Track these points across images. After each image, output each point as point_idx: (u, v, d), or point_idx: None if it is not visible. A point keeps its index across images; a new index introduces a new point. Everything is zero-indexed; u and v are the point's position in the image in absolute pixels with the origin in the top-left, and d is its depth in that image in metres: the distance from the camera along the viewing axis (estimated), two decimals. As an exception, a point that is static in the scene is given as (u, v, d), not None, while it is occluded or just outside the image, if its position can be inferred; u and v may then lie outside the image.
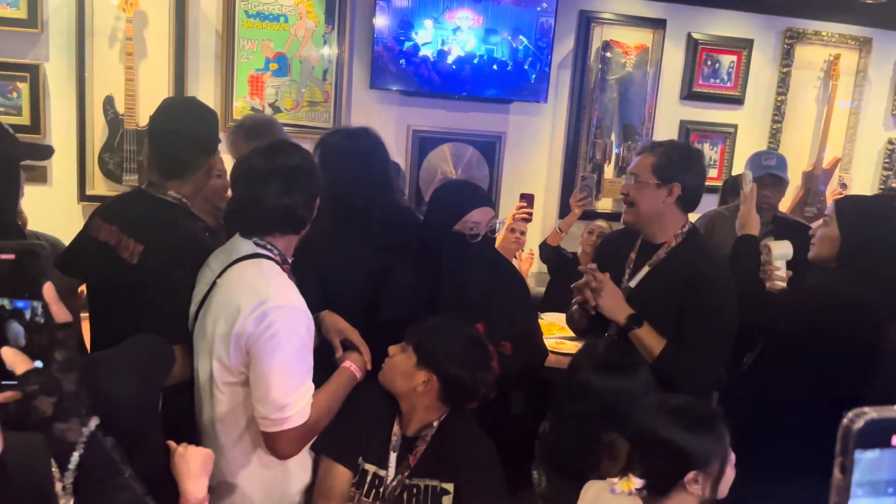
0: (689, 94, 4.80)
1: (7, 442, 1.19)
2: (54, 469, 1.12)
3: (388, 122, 4.36)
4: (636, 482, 1.64)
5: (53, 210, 3.68)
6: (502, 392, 2.33)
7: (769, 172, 3.31)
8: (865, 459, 0.61)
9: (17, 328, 1.07)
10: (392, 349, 2.03)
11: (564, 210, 4.42)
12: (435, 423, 2.02)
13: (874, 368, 2.19)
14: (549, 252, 4.02)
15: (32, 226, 2.36)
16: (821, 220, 2.42)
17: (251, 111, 4.07)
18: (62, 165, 3.82)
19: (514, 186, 4.50)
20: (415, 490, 1.97)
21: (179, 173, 2.14)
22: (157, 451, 1.62)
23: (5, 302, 1.06)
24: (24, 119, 3.78)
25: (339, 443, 2.01)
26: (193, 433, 2.01)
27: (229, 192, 2.23)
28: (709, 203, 3.76)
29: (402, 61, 4.18)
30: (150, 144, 2.18)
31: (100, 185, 3.93)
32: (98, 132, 3.90)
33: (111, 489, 1.15)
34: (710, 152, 4.89)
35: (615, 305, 2.30)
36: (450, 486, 1.96)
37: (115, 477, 1.15)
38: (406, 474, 1.98)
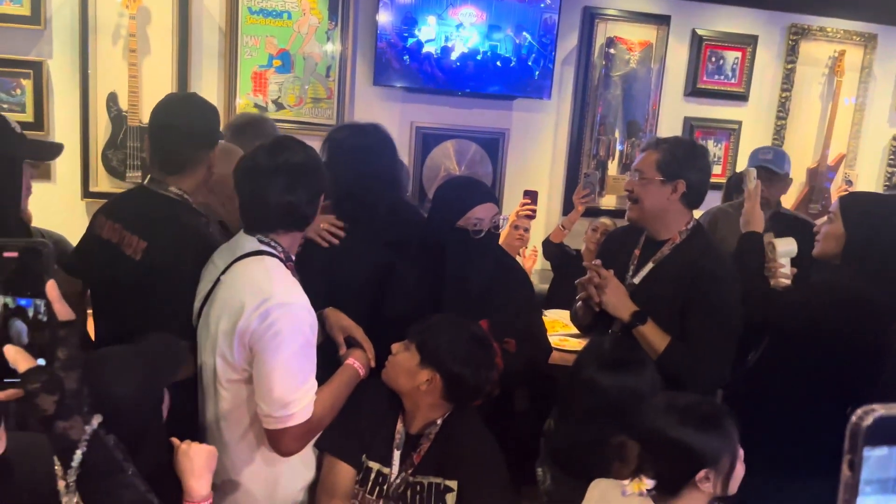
0: (694, 91, 4.79)
1: (11, 440, 1.19)
2: (57, 467, 1.12)
3: (392, 118, 4.35)
4: (647, 483, 1.65)
5: (57, 207, 3.69)
6: (506, 389, 2.32)
7: (763, 165, 3.30)
8: (874, 457, 0.61)
9: (19, 326, 1.07)
10: (395, 347, 2.02)
11: (568, 207, 4.41)
12: (438, 421, 2.01)
13: (879, 366, 2.18)
14: (553, 249, 4.02)
15: (36, 223, 2.36)
16: (825, 217, 2.41)
17: (254, 108, 4.07)
18: (65, 162, 3.82)
19: (518, 183, 4.49)
20: (418, 487, 1.97)
21: (179, 168, 2.14)
22: (160, 449, 1.62)
23: (8, 300, 1.06)
24: (28, 116, 3.78)
25: (342, 440, 2.01)
26: (196, 430, 2.01)
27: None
28: (713, 200, 3.76)
29: (406, 58, 4.18)
30: (150, 140, 2.18)
31: (103, 182, 3.94)
32: (101, 129, 3.90)
33: (114, 487, 1.15)
34: (714, 149, 4.87)
35: (619, 302, 2.30)
36: (453, 484, 1.96)
37: (117, 475, 1.15)
38: (410, 472, 1.98)
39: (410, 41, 4.16)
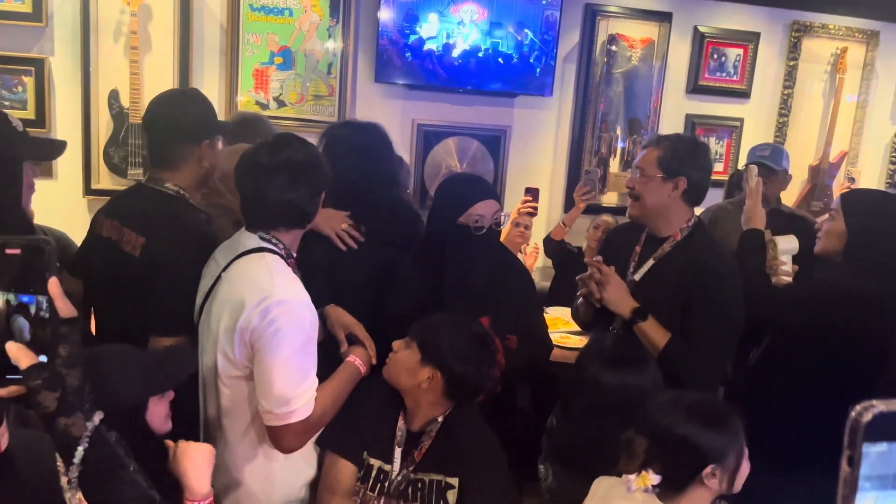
0: (695, 88, 4.78)
1: (13, 437, 1.19)
2: (59, 463, 1.13)
3: (393, 115, 4.35)
4: (653, 478, 1.65)
5: (59, 204, 3.69)
6: (508, 386, 2.32)
7: (760, 162, 3.30)
8: (873, 453, 0.61)
9: (21, 322, 1.07)
10: (396, 345, 2.02)
11: (570, 204, 4.41)
12: (440, 418, 2.01)
13: (881, 363, 2.18)
14: (554, 246, 4.02)
15: (38, 220, 2.36)
16: (826, 215, 2.40)
17: (255, 105, 4.07)
18: (67, 159, 3.81)
19: (519, 180, 4.50)
20: (420, 485, 1.97)
21: (168, 163, 2.15)
22: (162, 447, 1.63)
23: (10, 296, 1.07)
24: (30, 113, 3.79)
25: (343, 438, 2.02)
26: (196, 427, 2.02)
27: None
28: (714, 197, 3.75)
29: (408, 55, 4.17)
30: (145, 136, 2.19)
31: (105, 180, 3.94)
32: (103, 126, 3.91)
33: (116, 483, 1.15)
34: (716, 146, 4.87)
35: (620, 299, 2.30)
36: (455, 481, 1.96)
37: (119, 471, 1.15)
38: (411, 469, 1.98)
39: (412, 38, 4.16)
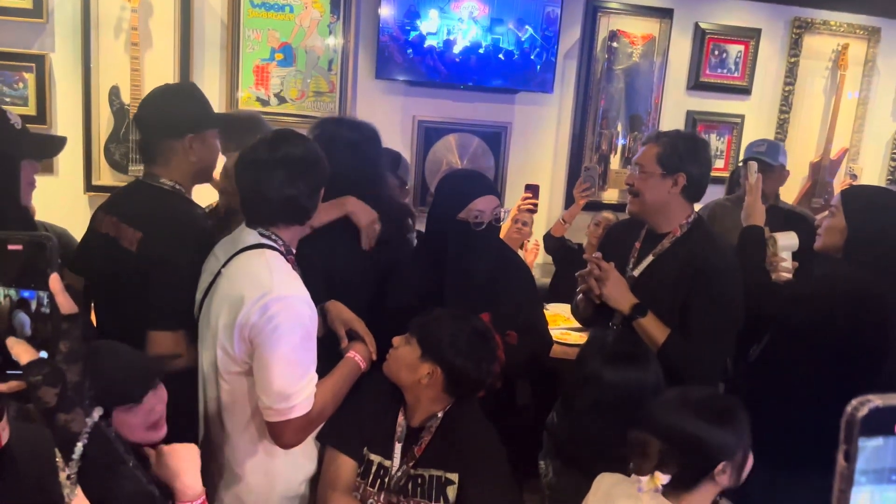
0: (696, 85, 4.78)
1: (13, 432, 1.20)
2: (59, 459, 1.13)
3: (394, 112, 4.36)
4: (663, 479, 1.66)
5: (60, 201, 3.69)
6: (508, 382, 2.33)
7: (757, 158, 3.30)
8: (869, 447, 0.61)
9: (22, 318, 1.07)
10: (396, 340, 2.03)
11: (570, 201, 4.41)
12: (440, 414, 2.02)
13: (882, 359, 2.18)
14: (554, 243, 4.02)
15: (39, 216, 2.37)
16: (826, 211, 2.40)
17: (256, 102, 4.07)
18: (68, 156, 3.83)
19: (520, 177, 4.50)
20: (420, 480, 1.98)
21: (156, 159, 2.15)
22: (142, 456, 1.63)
23: (12, 292, 1.07)
24: (31, 109, 3.79)
25: (344, 433, 2.02)
26: (195, 422, 2.02)
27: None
28: (715, 193, 3.75)
29: (409, 51, 4.17)
30: (137, 133, 2.20)
31: (106, 176, 3.94)
32: (104, 122, 3.91)
33: (115, 478, 1.15)
34: (716, 143, 4.87)
35: (620, 294, 2.30)
36: (455, 476, 1.96)
37: (118, 467, 1.16)
38: (411, 465, 1.99)
39: (413, 35, 4.16)
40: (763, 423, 1.83)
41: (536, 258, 4.24)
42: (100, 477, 1.14)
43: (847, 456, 0.61)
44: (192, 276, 2.01)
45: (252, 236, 1.90)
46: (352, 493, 1.99)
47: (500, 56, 4.29)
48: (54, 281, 1.07)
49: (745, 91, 4.85)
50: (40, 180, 2.23)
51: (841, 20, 4.86)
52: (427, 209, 2.46)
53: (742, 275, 2.31)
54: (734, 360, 2.52)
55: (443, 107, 4.45)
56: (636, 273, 2.35)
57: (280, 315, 1.76)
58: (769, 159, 3.41)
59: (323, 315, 2.07)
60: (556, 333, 2.89)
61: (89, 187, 3.94)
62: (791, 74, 4.87)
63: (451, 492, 1.95)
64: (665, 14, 4.60)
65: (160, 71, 3.90)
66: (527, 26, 4.28)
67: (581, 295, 2.49)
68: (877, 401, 0.60)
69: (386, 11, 4.10)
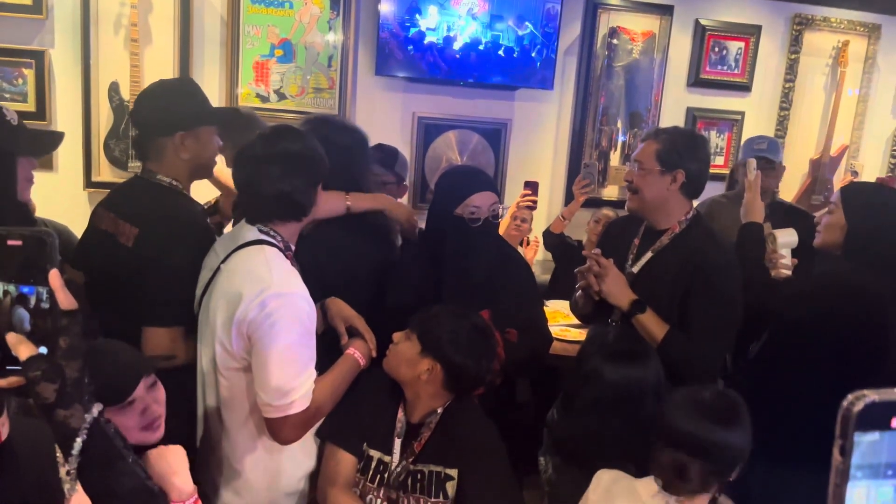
0: (696, 81, 4.77)
1: (13, 428, 1.20)
2: (58, 455, 1.13)
3: (394, 108, 4.35)
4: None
5: (59, 197, 3.70)
6: (508, 379, 2.33)
7: (760, 156, 3.30)
8: (865, 442, 0.61)
9: (22, 313, 1.07)
10: (396, 336, 2.03)
11: (570, 197, 4.40)
12: (439, 410, 2.02)
13: (881, 356, 2.18)
14: (553, 239, 4.02)
15: (38, 213, 2.37)
16: (826, 208, 2.40)
17: (256, 98, 4.07)
18: (68, 152, 3.84)
19: (520, 174, 4.49)
20: (419, 476, 1.98)
21: (150, 156, 2.16)
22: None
23: (11, 288, 1.07)
24: (30, 105, 3.79)
25: (343, 429, 2.02)
26: (194, 418, 2.02)
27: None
28: (715, 190, 3.75)
29: (409, 47, 4.17)
30: (133, 130, 2.21)
31: (105, 172, 3.94)
32: (103, 119, 3.91)
33: (114, 474, 1.15)
34: (716, 140, 4.87)
35: (619, 291, 2.30)
36: (454, 472, 1.96)
37: (117, 462, 1.16)
38: (410, 460, 1.99)
39: (413, 31, 4.15)
40: (762, 419, 1.84)
41: (536, 255, 4.24)
42: (99, 472, 1.14)
43: (843, 451, 0.61)
44: (188, 272, 2.01)
45: (251, 232, 1.90)
46: (351, 489, 1.99)
47: (500, 53, 4.28)
48: (54, 277, 1.07)
49: (746, 88, 4.85)
50: (40, 177, 2.23)
51: (841, 17, 4.85)
52: (427, 206, 2.46)
53: (741, 271, 2.31)
54: (733, 357, 2.52)
55: (443, 103, 4.44)
56: (635, 269, 2.36)
57: (278, 311, 1.76)
58: (772, 157, 3.41)
59: (323, 311, 2.08)
60: (555, 330, 2.89)
61: (89, 184, 3.94)
62: (791, 71, 4.87)
63: (451, 487, 1.96)
64: (665, 11, 4.59)
65: (160, 67, 3.90)
66: (527, 23, 4.27)
67: (580, 291, 2.49)
68: (873, 395, 0.60)
69: (386, 8, 4.10)
